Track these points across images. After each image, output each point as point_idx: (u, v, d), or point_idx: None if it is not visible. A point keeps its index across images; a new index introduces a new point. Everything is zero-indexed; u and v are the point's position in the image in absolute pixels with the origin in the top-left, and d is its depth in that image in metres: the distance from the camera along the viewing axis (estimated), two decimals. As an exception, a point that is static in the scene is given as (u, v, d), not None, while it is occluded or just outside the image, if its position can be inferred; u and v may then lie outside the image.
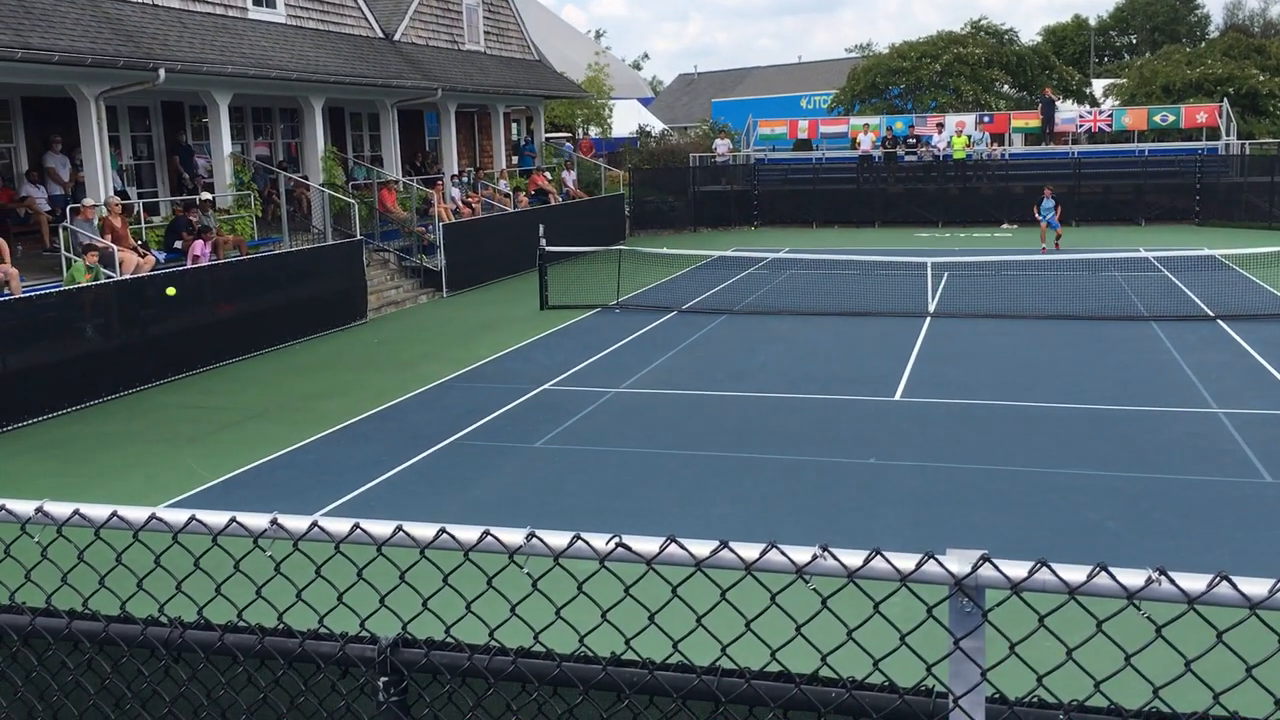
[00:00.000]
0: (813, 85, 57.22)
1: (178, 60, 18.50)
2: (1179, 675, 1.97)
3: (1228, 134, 36.09)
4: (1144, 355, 15.94)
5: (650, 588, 2.28)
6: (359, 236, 21.79)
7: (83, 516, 2.37)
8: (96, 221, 16.79)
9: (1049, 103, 38.85)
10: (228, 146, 20.82)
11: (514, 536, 2.11)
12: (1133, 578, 1.79)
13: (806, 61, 70.54)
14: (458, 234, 24.95)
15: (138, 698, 2.56)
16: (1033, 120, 38.84)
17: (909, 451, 11.61)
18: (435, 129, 30.34)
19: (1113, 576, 1.79)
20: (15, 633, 2.59)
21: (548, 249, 22.18)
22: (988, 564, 1.86)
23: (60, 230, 16.48)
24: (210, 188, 20.72)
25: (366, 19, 26.05)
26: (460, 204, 27.14)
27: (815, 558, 1.94)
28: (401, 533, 2.17)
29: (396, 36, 26.95)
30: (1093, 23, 77.00)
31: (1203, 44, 59.28)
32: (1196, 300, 20.18)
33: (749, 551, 1.98)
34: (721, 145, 40.52)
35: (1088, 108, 45.21)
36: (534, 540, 2.09)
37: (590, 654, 2.24)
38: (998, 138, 38.63)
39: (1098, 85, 52.74)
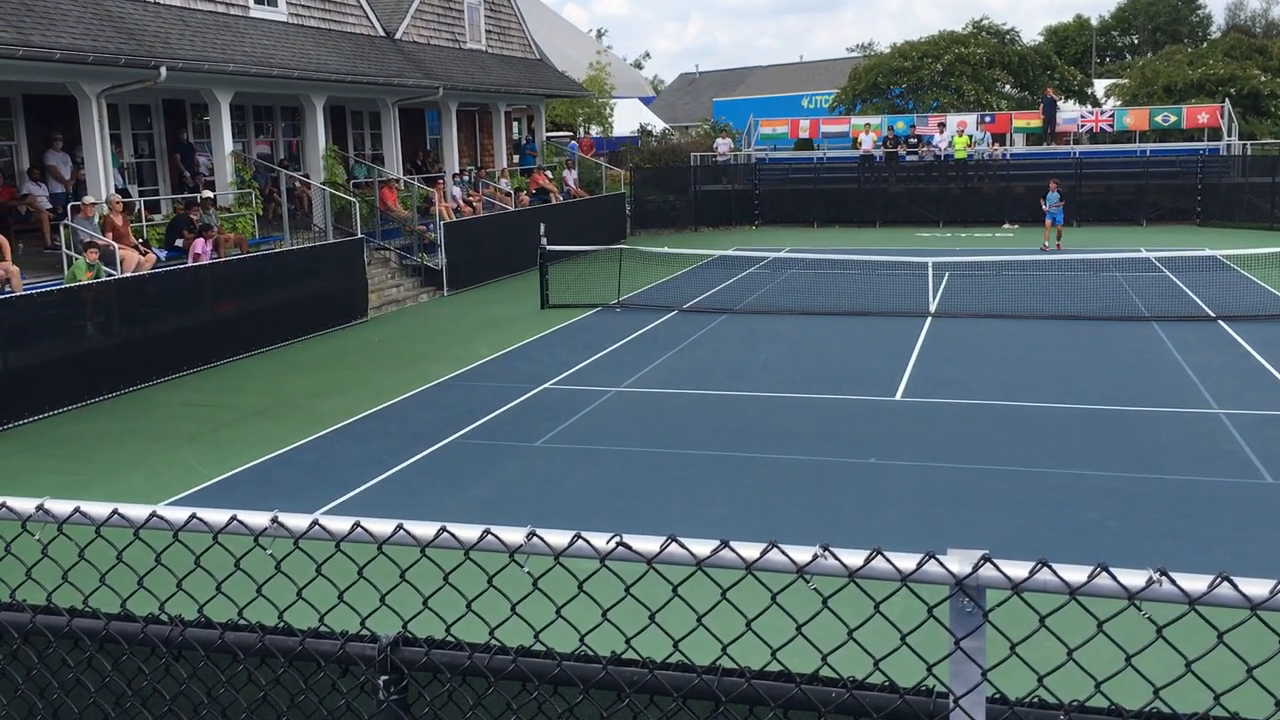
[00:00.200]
0: (814, 85, 57.22)
1: (179, 58, 18.50)
2: (1180, 676, 1.96)
3: (1229, 134, 36.07)
4: (1145, 356, 15.93)
5: (651, 587, 2.28)
6: (360, 235, 21.79)
7: (83, 514, 2.37)
8: (97, 219, 16.79)
9: (1050, 103, 38.83)
10: (229, 144, 20.82)
11: (514, 535, 2.11)
12: (1134, 578, 1.79)
13: (808, 61, 70.55)
14: (459, 233, 24.95)
15: (138, 696, 2.56)
16: (1034, 120, 38.83)
17: (910, 451, 11.60)
18: (436, 127, 30.34)
19: (1114, 577, 1.79)
20: (16, 630, 2.59)
21: (548, 248, 22.18)
22: (988, 564, 1.86)
23: (61, 228, 16.49)
24: (211, 186, 20.72)
25: (368, 17, 26.05)
26: (461, 203, 27.14)
27: (816, 557, 1.94)
28: (402, 531, 2.17)
29: (398, 35, 26.95)
30: (1094, 23, 77.03)
31: (1204, 44, 59.26)
32: (1198, 301, 20.17)
33: (750, 551, 1.98)
34: (723, 144, 40.52)
35: (1089, 108, 45.18)
36: (534, 539, 2.09)
37: (590, 653, 2.24)
38: (999, 138, 38.61)
39: (1099, 85, 52.72)
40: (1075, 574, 1.82)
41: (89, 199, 16.96)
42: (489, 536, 2.11)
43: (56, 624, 2.55)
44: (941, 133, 36.89)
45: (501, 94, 30.83)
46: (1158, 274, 23.53)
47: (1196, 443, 11.65)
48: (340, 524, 2.22)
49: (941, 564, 1.88)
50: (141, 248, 17.26)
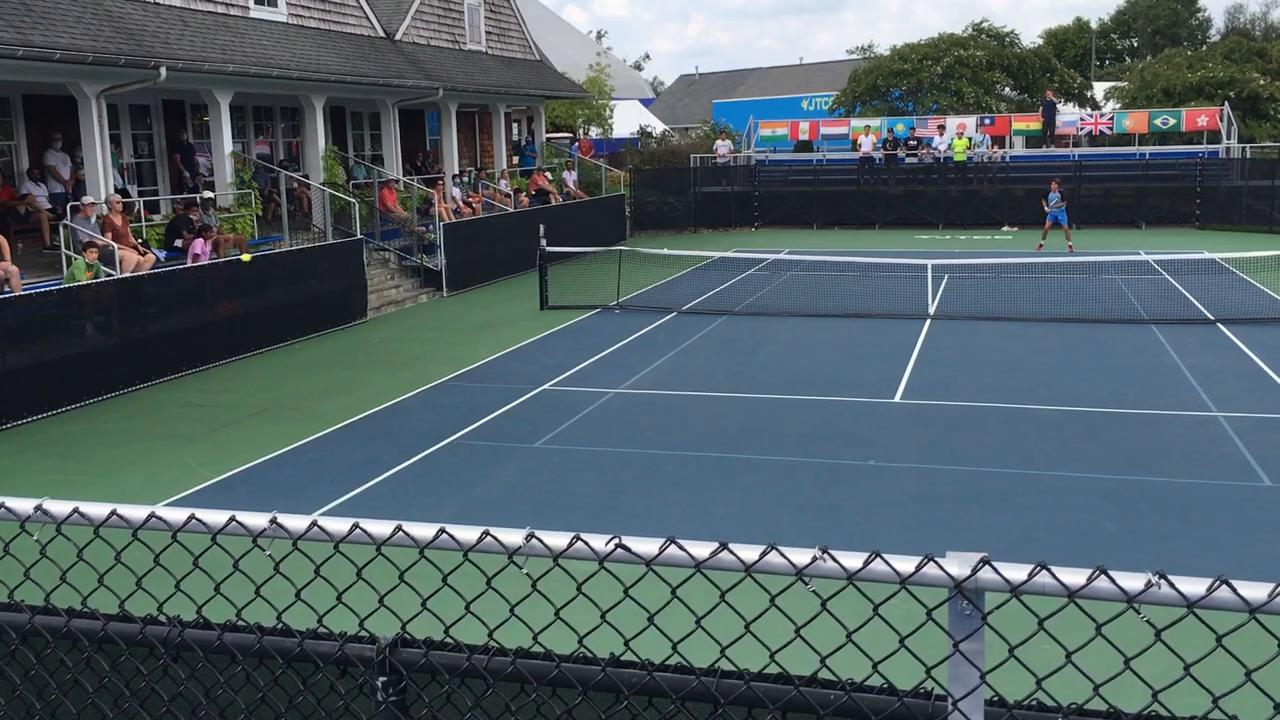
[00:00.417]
0: (814, 86, 57.27)
1: (179, 58, 18.50)
2: (1178, 679, 1.96)
3: (1228, 137, 36.10)
4: (1144, 358, 15.94)
5: (649, 589, 2.28)
6: (359, 236, 21.79)
7: (82, 515, 2.37)
8: (96, 219, 16.79)
9: (1050, 105, 38.85)
10: (228, 145, 20.82)
11: (513, 537, 2.11)
12: (1132, 581, 1.79)
13: (808, 63, 70.59)
14: (458, 234, 24.96)
15: (136, 696, 2.56)
16: (1034, 123, 38.85)
17: (909, 453, 11.61)
18: (436, 128, 30.35)
19: (1112, 580, 1.79)
20: (14, 631, 2.59)
21: (548, 249, 22.18)
22: (987, 567, 1.86)
23: (61, 228, 16.49)
24: (211, 186, 20.73)
25: (368, 18, 26.05)
26: (461, 204, 27.15)
27: (815, 559, 1.94)
28: (401, 532, 2.17)
29: (398, 36, 26.95)
30: (1094, 25, 77.08)
31: (1204, 47, 59.30)
32: (1197, 304, 20.18)
33: (748, 553, 1.98)
34: (722, 146, 40.53)
35: (1089, 110, 45.21)
36: (533, 541, 2.09)
37: (589, 655, 2.24)
38: (998, 140, 38.64)
39: (1099, 88, 52.75)
40: (1074, 577, 1.82)
41: (88, 199, 16.95)
42: (488, 538, 2.11)
43: (55, 624, 2.55)
44: (941, 135, 36.92)
45: (501, 95, 30.84)
46: (1157, 277, 23.54)
47: (1195, 445, 11.66)
48: (339, 525, 2.21)
49: (940, 566, 1.88)
50: (141, 248, 17.26)
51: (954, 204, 35.67)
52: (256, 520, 2.26)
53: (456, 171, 28.57)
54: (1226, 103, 38.41)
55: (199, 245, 18.06)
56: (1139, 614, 1.81)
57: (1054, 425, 12.55)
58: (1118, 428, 12.37)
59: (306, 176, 23.30)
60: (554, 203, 31.34)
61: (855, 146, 38.23)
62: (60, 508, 2.39)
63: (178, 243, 18.40)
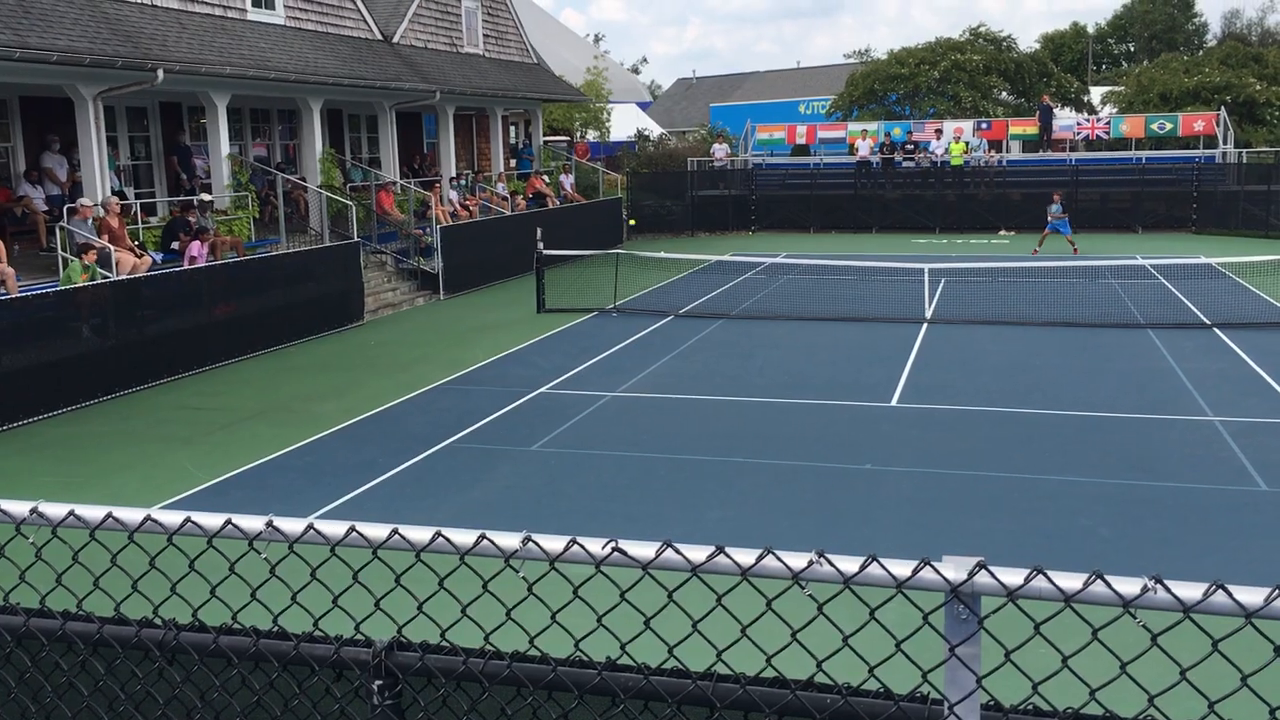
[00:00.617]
0: (811, 90, 57.29)
1: (176, 61, 18.49)
2: (1174, 683, 1.97)
3: (1225, 142, 36.17)
4: (1140, 363, 15.96)
5: (646, 592, 2.28)
6: (356, 238, 21.79)
7: (78, 517, 2.36)
8: (93, 222, 16.77)
9: (1047, 110, 38.91)
10: (225, 147, 20.81)
11: (510, 540, 2.11)
12: (1128, 586, 1.79)
13: (805, 67, 70.63)
14: (455, 236, 24.95)
15: (131, 699, 2.55)
16: (1030, 127, 38.91)
17: (905, 457, 11.61)
18: (433, 131, 30.35)
19: (1108, 584, 1.80)
20: (9, 633, 2.58)
21: (545, 252, 22.19)
22: (984, 571, 1.86)
23: (57, 230, 16.47)
24: (208, 188, 20.71)
25: (365, 21, 26.05)
26: (458, 206, 27.15)
27: (811, 563, 1.94)
28: (397, 536, 2.17)
29: (395, 39, 26.96)
30: (1091, 30, 77.18)
31: (1200, 52, 59.41)
32: (1193, 308, 20.21)
33: (745, 557, 1.98)
34: (719, 150, 40.56)
35: (1085, 115, 45.27)
36: (530, 544, 2.09)
37: (586, 658, 2.24)
38: (995, 144, 38.68)
39: (1095, 93, 52.82)
40: (1070, 581, 1.82)
41: (85, 201, 16.94)
42: (484, 541, 2.11)
43: (50, 627, 2.55)
44: (938, 139, 36.96)
45: (498, 98, 30.85)
46: (1153, 281, 23.57)
47: (1192, 450, 11.67)
48: (336, 528, 2.21)
49: (937, 571, 1.88)
50: (137, 250, 17.24)
51: (951, 208, 35.71)
52: (252, 523, 2.25)
53: (454, 174, 28.57)
54: (1223, 108, 38.47)
55: (196, 248, 18.05)
56: (1135, 619, 1.81)
57: (1050, 429, 12.56)
58: (1114, 432, 12.38)
59: (303, 179, 23.30)
60: (551, 206, 31.33)
61: (852, 150, 38.27)
62: (56, 510, 2.38)
63: (174, 245, 18.39)
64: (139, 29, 18.49)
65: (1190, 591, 1.77)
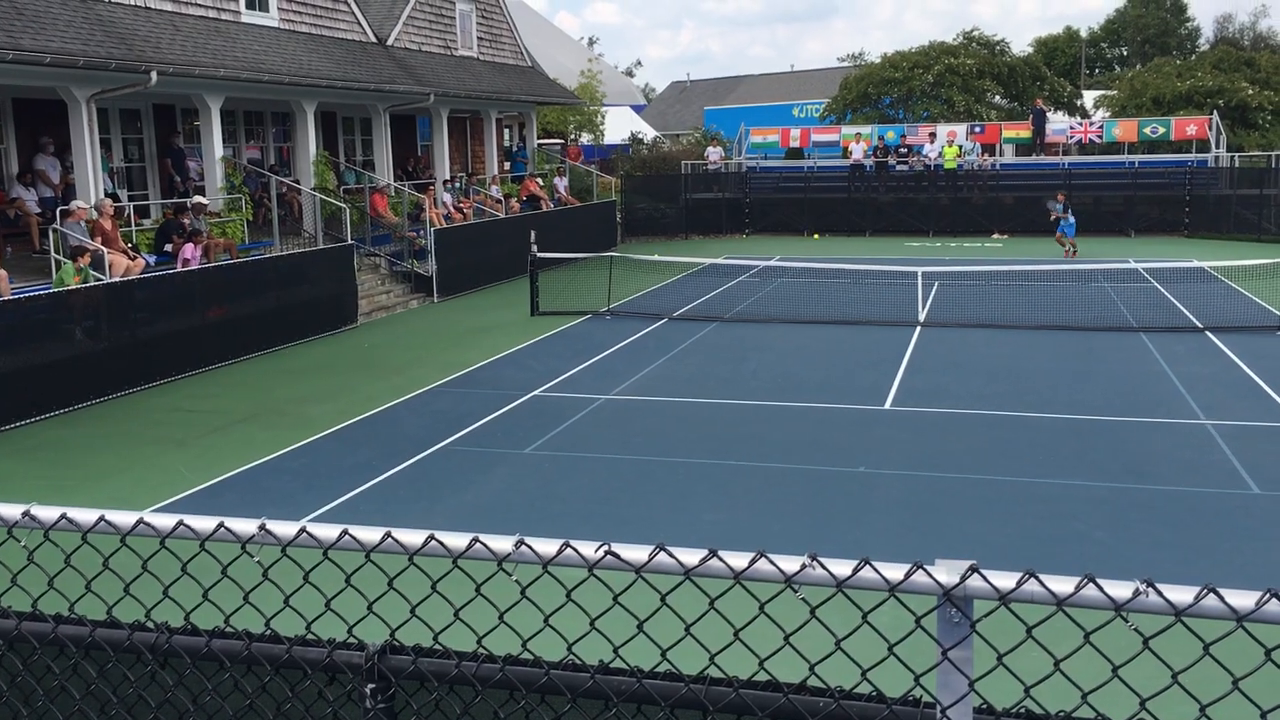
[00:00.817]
0: (805, 94, 57.35)
1: (170, 63, 18.47)
2: (1166, 687, 1.97)
3: (1217, 146, 36.25)
4: (1133, 366, 15.99)
5: (639, 596, 2.28)
6: (350, 241, 21.76)
7: (70, 521, 2.36)
8: (86, 224, 16.74)
9: (1040, 113, 38.98)
10: (219, 150, 20.79)
11: (502, 544, 2.11)
12: (1120, 589, 1.80)
13: (799, 70, 70.75)
14: (449, 239, 24.94)
15: (123, 703, 2.55)
16: (1024, 131, 38.98)
17: (898, 461, 11.62)
18: (427, 134, 30.34)
19: (1100, 588, 1.80)
20: (1, 637, 2.58)
21: (539, 255, 22.18)
22: (976, 575, 1.86)
23: (50, 232, 16.44)
24: (201, 191, 20.68)
25: (359, 23, 26.04)
26: (452, 209, 27.13)
27: (804, 567, 1.94)
28: (390, 539, 2.17)
29: (389, 41, 26.95)
30: (1084, 34, 77.35)
31: (1193, 56, 59.60)
32: (1185, 312, 20.26)
33: (738, 560, 1.98)
34: (713, 153, 40.59)
35: (1078, 119, 45.36)
36: (523, 547, 2.09)
37: (578, 662, 2.24)
38: (989, 148, 38.75)
39: (1088, 96, 52.95)
40: (1062, 585, 1.83)
41: (78, 203, 16.90)
42: (477, 544, 2.11)
43: (42, 630, 2.54)
44: (931, 143, 37.02)
45: (493, 101, 30.85)
46: (1146, 285, 23.62)
47: (1184, 453, 11.69)
48: (328, 531, 2.21)
49: (929, 574, 1.88)
50: (130, 253, 17.21)
51: (944, 211, 35.75)
52: (245, 526, 2.25)
53: (448, 177, 28.56)
54: (1215, 112, 38.57)
55: (189, 250, 18.01)
56: (1127, 622, 1.81)
57: (1043, 433, 12.58)
58: (1107, 435, 12.40)
59: (297, 181, 23.27)
60: (545, 209, 31.33)
61: (846, 154, 38.32)
62: (48, 513, 2.38)
63: (168, 247, 18.36)
64: (133, 31, 18.46)
65: (1182, 595, 1.77)
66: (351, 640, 2.37)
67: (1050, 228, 29.54)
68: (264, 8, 22.64)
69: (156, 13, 19.55)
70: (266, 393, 15.66)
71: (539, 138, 38.38)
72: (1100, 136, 39.11)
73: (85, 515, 2.35)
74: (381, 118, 26.10)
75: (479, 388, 15.53)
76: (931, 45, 47.48)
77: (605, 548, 2.04)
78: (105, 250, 16.32)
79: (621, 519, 10.00)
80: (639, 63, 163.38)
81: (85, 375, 14.95)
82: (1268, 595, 1.74)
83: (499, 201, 30.03)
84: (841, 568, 1.93)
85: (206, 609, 2.50)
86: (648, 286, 24.74)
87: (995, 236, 34.46)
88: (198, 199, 19.61)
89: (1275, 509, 9.91)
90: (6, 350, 13.89)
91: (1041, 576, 1.83)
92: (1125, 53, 79.56)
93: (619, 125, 52.03)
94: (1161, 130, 37.99)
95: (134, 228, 18.65)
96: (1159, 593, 1.77)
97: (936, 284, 23.35)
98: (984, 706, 2.01)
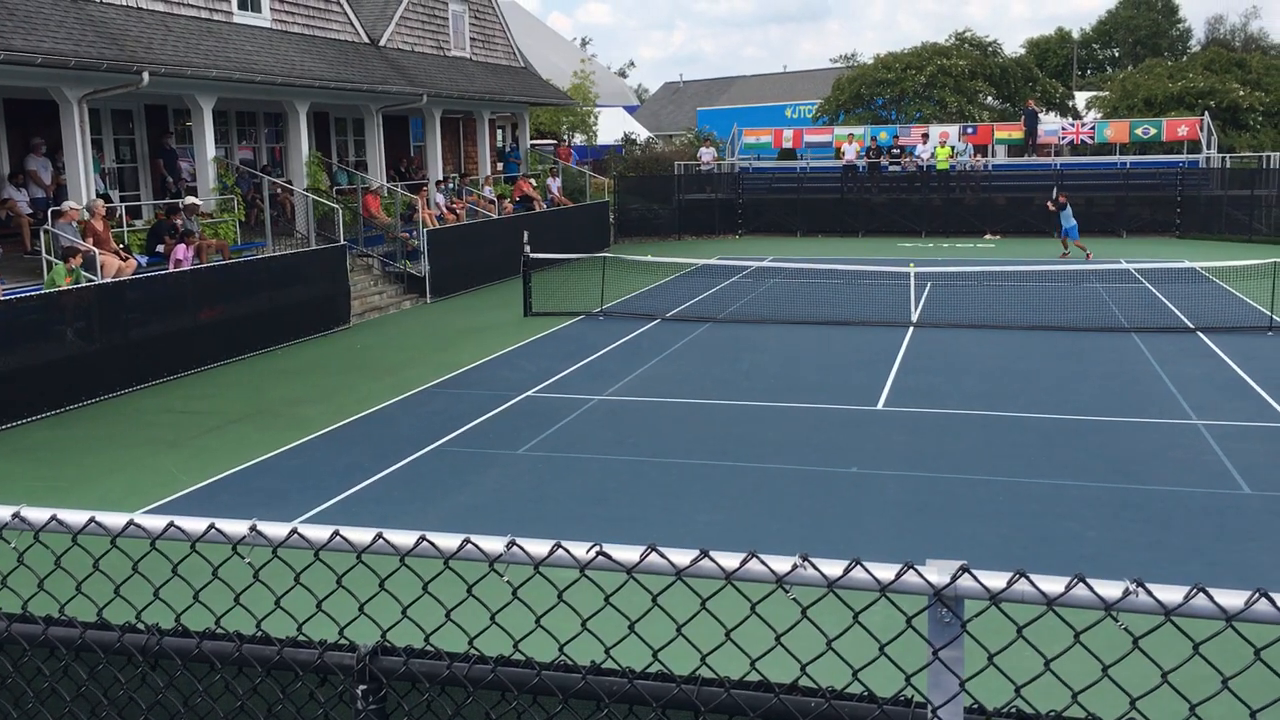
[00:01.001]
0: (798, 95, 57.41)
1: (162, 63, 18.43)
2: (1156, 686, 1.97)
3: (1208, 147, 36.36)
4: (1124, 366, 16.02)
5: (630, 596, 2.28)
6: (343, 242, 21.73)
7: (60, 522, 2.35)
8: (77, 225, 16.69)
9: (1032, 114, 39.07)
10: (211, 150, 20.75)
11: (494, 544, 2.11)
12: (1110, 589, 1.80)
13: (792, 71, 70.78)
14: (442, 240, 24.92)
15: (114, 705, 2.54)
16: (1016, 132, 39.06)
17: (891, 461, 11.63)
18: (420, 135, 30.30)
19: (1091, 588, 1.80)
20: (-9, 639, 2.57)
21: (532, 255, 22.18)
22: (967, 575, 1.87)
23: (42, 233, 16.39)
24: (193, 191, 20.63)
25: (352, 24, 26.01)
26: (445, 210, 27.11)
27: (795, 567, 1.95)
28: (381, 540, 2.16)
29: (382, 42, 26.92)
30: (1076, 35, 77.52)
31: (1184, 58, 59.73)
32: (1177, 312, 20.31)
33: (729, 561, 1.98)
34: (706, 154, 40.62)
35: (1070, 120, 45.47)
36: (514, 548, 2.09)
37: (570, 662, 2.24)
38: (981, 149, 38.82)
39: (1080, 97, 53.08)
40: (1053, 585, 1.83)
41: (70, 204, 16.86)
42: (469, 545, 2.11)
43: (32, 632, 2.54)
44: (924, 143, 37.09)
45: (485, 101, 30.83)
46: (1137, 286, 23.68)
47: (1175, 453, 11.72)
48: (319, 532, 2.21)
49: (920, 574, 1.88)
50: (122, 253, 17.17)
51: (937, 212, 35.81)
52: (236, 528, 2.25)
53: (440, 178, 28.53)
54: (1206, 113, 38.69)
55: (181, 251, 17.98)
56: (1117, 621, 1.82)
57: (1035, 433, 12.61)
58: (1098, 435, 12.43)
59: (290, 182, 23.24)
60: (538, 209, 31.32)
61: (839, 155, 38.36)
62: (38, 515, 2.37)
63: (160, 248, 18.33)
64: (124, 31, 18.42)
65: (1172, 595, 1.78)
66: (343, 641, 2.37)
67: (1045, 228, 29.54)
68: (256, 8, 22.60)
69: (148, 13, 19.51)
70: (259, 394, 15.63)
71: (532, 138, 38.36)
72: (1092, 137, 39.20)
73: (76, 516, 2.35)
74: (374, 118, 26.07)
75: (472, 388, 15.52)
76: (924, 46, 47.57)
77: (596, 548, 2.04)
78: (97, 251, 16.28)
79: (614, 520, 10.00)
80: (632, 63, 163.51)
81: (77, 376, 14.92)
82: (1257, 595, 1.74)
83: (492, 202, 30.02)
84: (832, 568, 1.93)
85: (197, 610, 2.50)
86: (641, 287, 24.74)
87: (988, 237, 34.53)
88: (190, 200, 19.57)
89: (1266, 509, 9.94)
90: (-3, 351, 13.84)
91: (1032, 576, 1.84)
92: (1117, 54, 79.73)
93: (612, 126, 52.03)
94: (1153, 131, 38.09)
95: (126, 228, 18.61)
96: (1149, 592, 1.78)
97: (929, 284, 23.37)
98: (975, 706, 2.02)
